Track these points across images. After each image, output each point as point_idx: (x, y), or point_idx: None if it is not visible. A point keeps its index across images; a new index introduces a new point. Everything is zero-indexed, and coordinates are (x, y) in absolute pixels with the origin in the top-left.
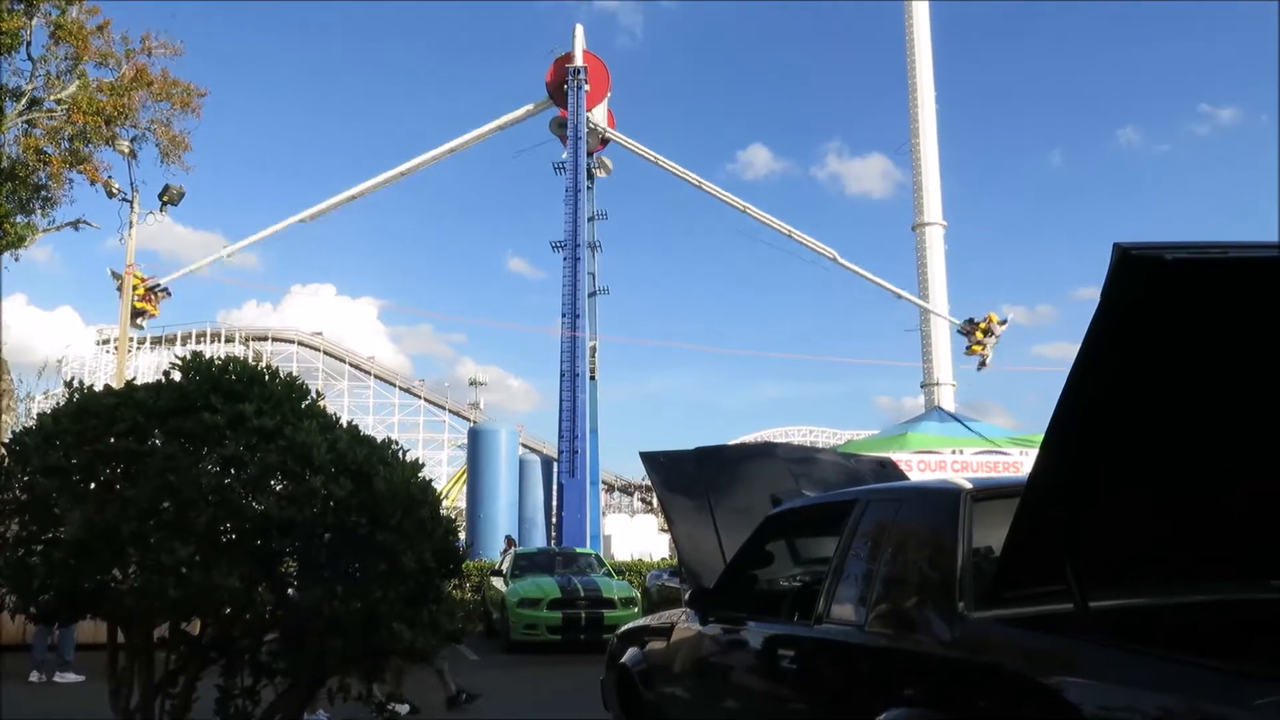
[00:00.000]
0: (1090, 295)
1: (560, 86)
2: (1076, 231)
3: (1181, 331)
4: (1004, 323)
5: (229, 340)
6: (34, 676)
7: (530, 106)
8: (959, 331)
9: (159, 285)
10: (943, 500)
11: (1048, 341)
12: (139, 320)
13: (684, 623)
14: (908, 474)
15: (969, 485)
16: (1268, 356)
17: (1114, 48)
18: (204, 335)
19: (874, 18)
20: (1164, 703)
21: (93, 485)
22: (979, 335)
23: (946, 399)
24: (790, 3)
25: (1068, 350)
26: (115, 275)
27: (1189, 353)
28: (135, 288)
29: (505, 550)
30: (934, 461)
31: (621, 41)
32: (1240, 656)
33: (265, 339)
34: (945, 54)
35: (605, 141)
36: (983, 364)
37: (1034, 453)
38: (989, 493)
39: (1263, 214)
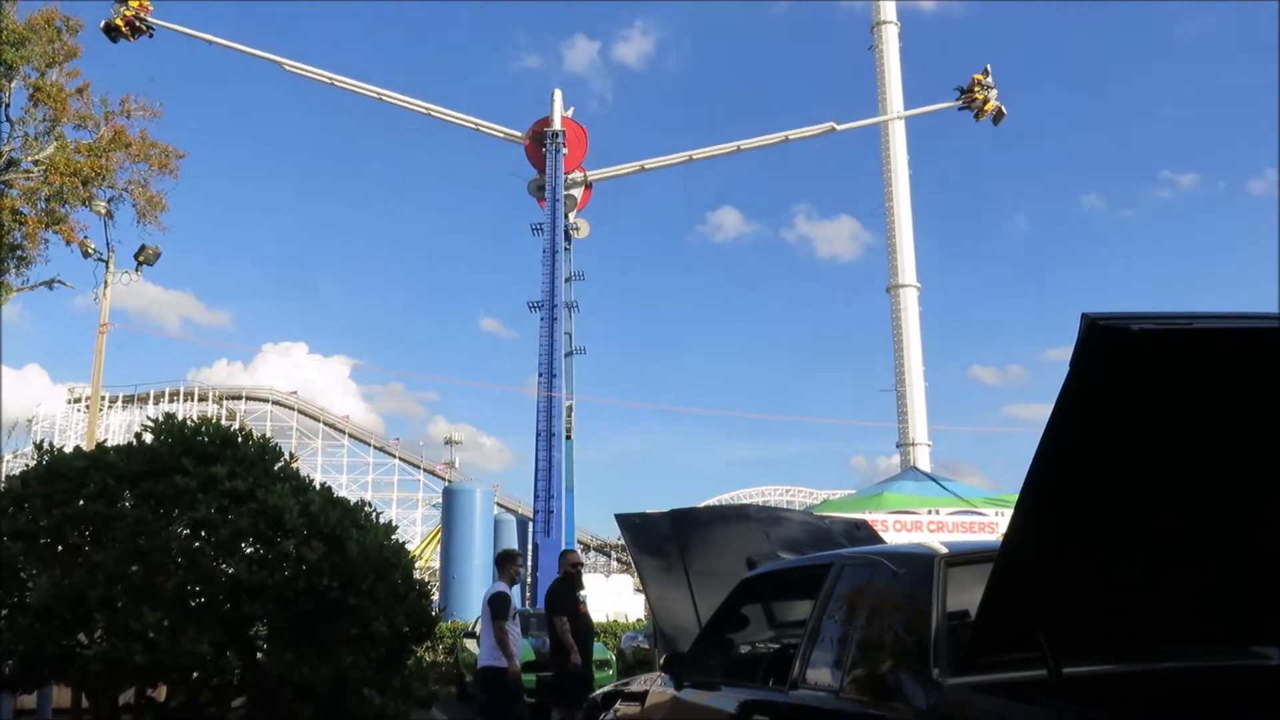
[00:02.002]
0: (1060, 356)
1: (538, 149)
2: (1045, 293)
3: (1149, 399)
4: (986, 72)
5: (202, 399)
6: None
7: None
8: (960, 108)
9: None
10: (917, 565)
11: (1020, 402)
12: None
13: (658, 687)
14: (884, 534)
15: (943, 550)
16: (1233, 423)
17: (1077, 119)
18: (177, 394)
19: (841, 81)
20: None
21: (60, 548)
22: (976, 94)
23: (923, 459)
24: (755, 66)
25: (1039, 410)
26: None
27: (1157, 420)
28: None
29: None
30: (910, 521)
31: (592, 106)
32: None
33: (239, 398)
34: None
35: (587, 194)
36: (999, 115)
37: (1009, 513)
38: (963, 558)
39: (1227, 276)
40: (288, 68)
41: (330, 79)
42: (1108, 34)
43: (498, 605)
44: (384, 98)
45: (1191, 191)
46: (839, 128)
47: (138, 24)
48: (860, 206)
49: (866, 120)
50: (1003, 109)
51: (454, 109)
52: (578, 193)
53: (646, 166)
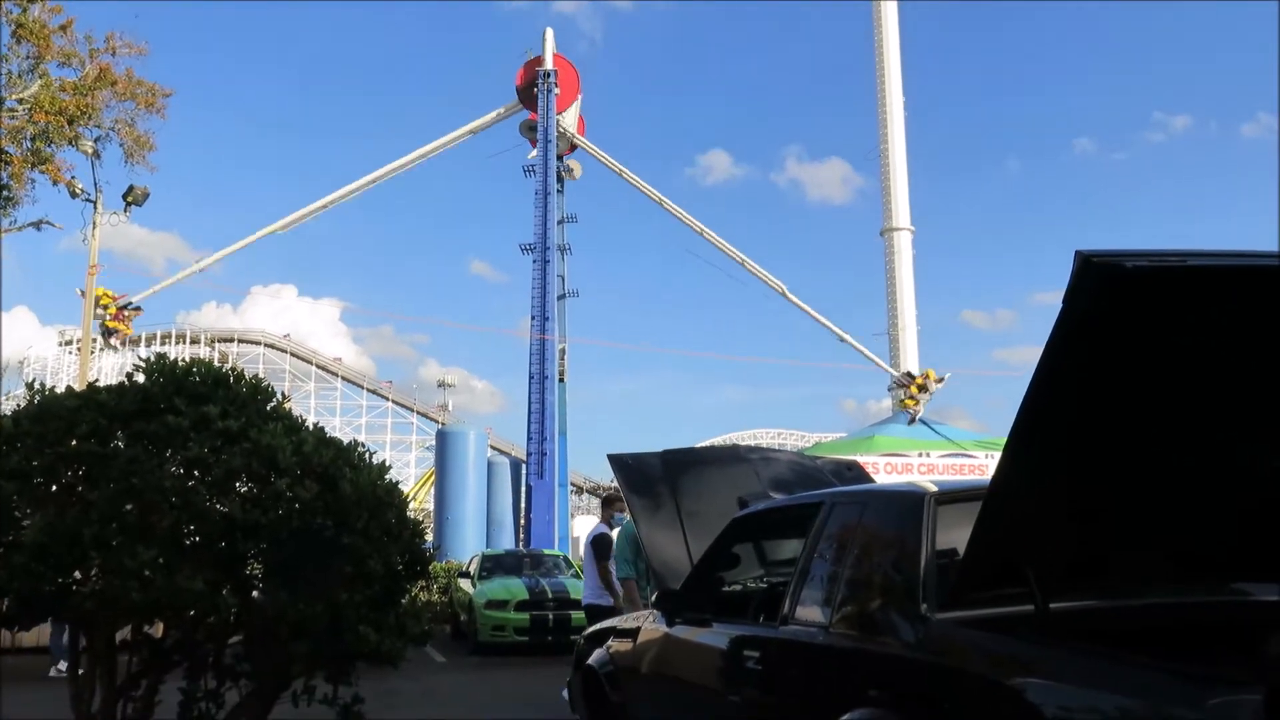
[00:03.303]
0: (1049, 300)
1: (530, 89)
2: (1035, 237)
3: (1141, 337)
4: (941, 380)
5: (194, 342)
6: (53, 672)
7: (500, 110)
8: (895, 384)
9: (130, 304)
10: (907, 503)
11: (1009, 346)
12: (111, 339)
13: (650, 624)
14: (875, 475)
15: (933, 488)
16: (1224, 361)
17: (1072, 59)
18: (169, 337)
19: (832, 21)
20: (1122, 703)
21: (54, 488)
22: (914, 390)
23: None
24: (747, 5)
25: (1028, 354)
26: (81, 293)
27: (1149, 358)
28: (106, 307)
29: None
30: (900, 464)
31: (582, 47)
32: (1196, 658)
33: (231, 340)
34: (909, 57)
35: (574, 146)
36: (912, 419)
37: (999, 455)
38: (952, 496)
39: (1220, 219)
40: None
41: None
42: None
43: (600, 547)
44: None
45: (1184, 134)
46: None
47: None
48: (851, 149)
49: None
50: (917, 417)
51: (441, 49)
52: (572, 118)
53: (625, 175)
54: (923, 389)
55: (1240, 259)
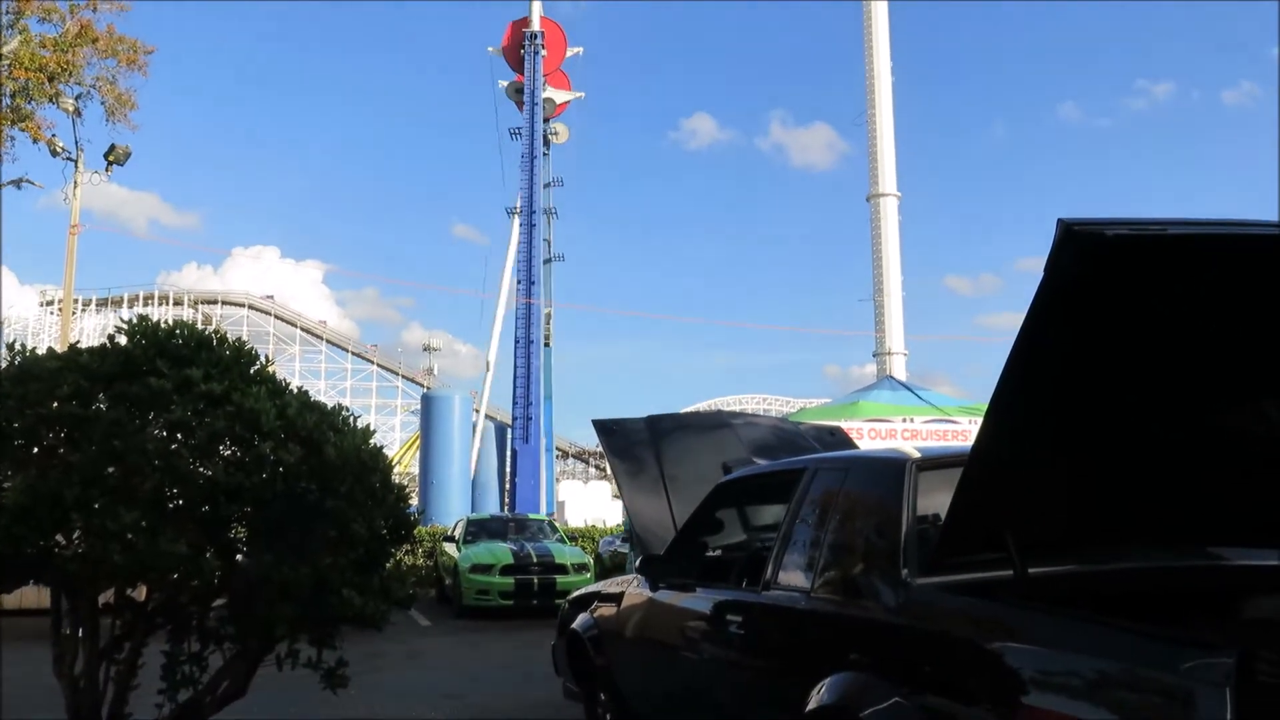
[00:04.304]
0: (1032, 267)
1: (516, 51)
2: (1020, 203)
3: (1122, 305)
4: None
5: (177, 303)
6: None
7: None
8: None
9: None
10: (888, 469)
11: (992, 312)
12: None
13: (634, 589)
14: (859, 441)
15: (915, 454)
16: (1204, 330)
17: (1054, 23)
18: (151, 298)
19: None
20: (1099, 666)
21: (35, 450)
22: None
23: (898, 368)
24: None
25: (1011, 320)
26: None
27: (1129, 326)
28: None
29: None
30: (885, 429)
31: (564, 8)
32: (1173, 621)
33: (215, 302)
34: (896, 22)
35: (563, 105)
36: None
37: (981, 421)
38: (934, 462)
39: (1201, 187)
40: None
41: None
42: None
43: None
44: None
45: (1166, 101)
46: None
47: None
48: (836, 113)
49: None
50: None
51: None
52: (558, 96)
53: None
54: None
55: (1220, 228)
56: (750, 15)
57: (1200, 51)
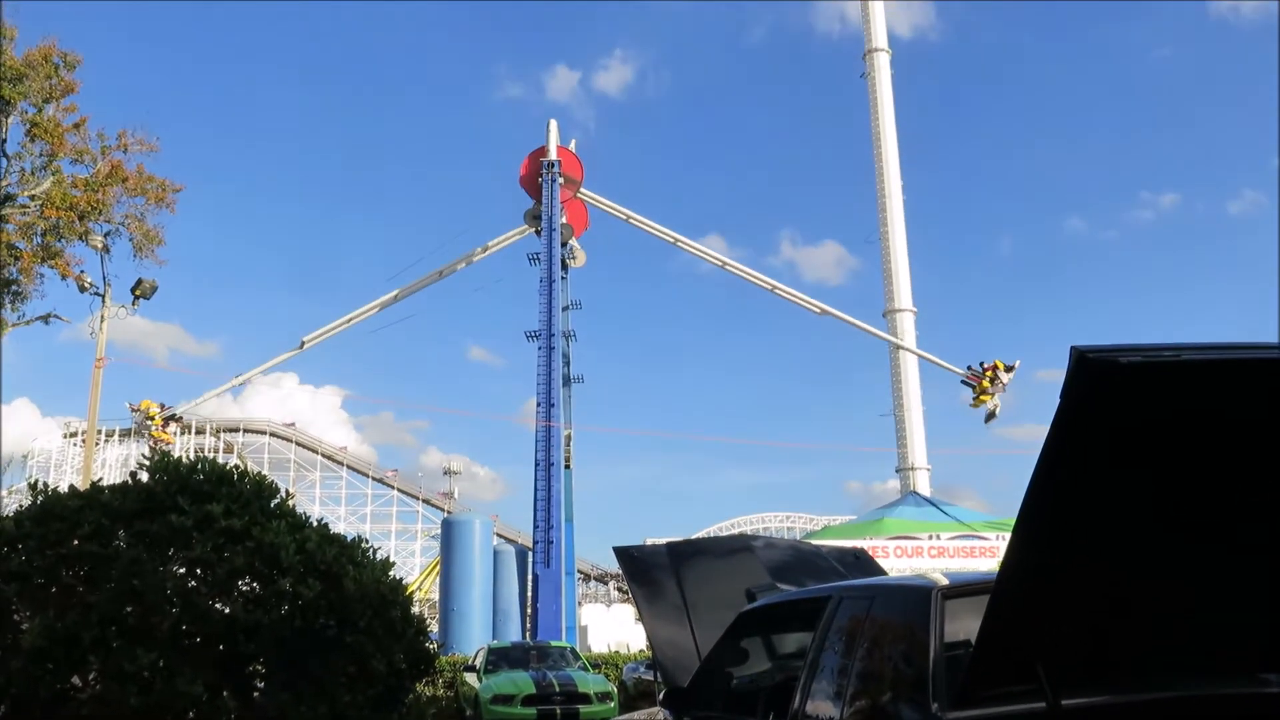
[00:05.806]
0: (1051, 377)
1: (534, 179)
2: (1033, 315)
3: (1139, 428)
4: (1011, 369)
5: (199, 431)
6: None
7: (514, 233)
8: (963, 382)
9: (175, 414)
10: (915, 597)
11: (1014, 424)
12: (158, 447)
13: None
14: (885, 559)
15: (942, 582)
16: (1221, 450)
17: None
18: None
19: (823, 96)
20: None
21: (54, 589)
22: (985, 384)
23: (922, 483)
24: (740, 92)
25: (1034, 431)
26: (134, 408)
27: (1147, 448)
28: (152, 418)
29: None
30: (911, 547)
31: (575, 135)
32: None
33: (237, 430)
34: (905, 140)
35: (583, 219)
36: (991, 415)
37: (1009, 536)
38: (961, 590)
39: (1211, 294)
40: None
41: None
42: (1086, 59)
43: None
44: None
45: (1171, 211)
46: None
47: None
48: (845, 232)
49: None
50: (996, 411)
51: (439, 138)
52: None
53: (632, 218)
54: (994, 380)
55: (1232, 352)
56: (759, 139)
57: (1201, 162)
